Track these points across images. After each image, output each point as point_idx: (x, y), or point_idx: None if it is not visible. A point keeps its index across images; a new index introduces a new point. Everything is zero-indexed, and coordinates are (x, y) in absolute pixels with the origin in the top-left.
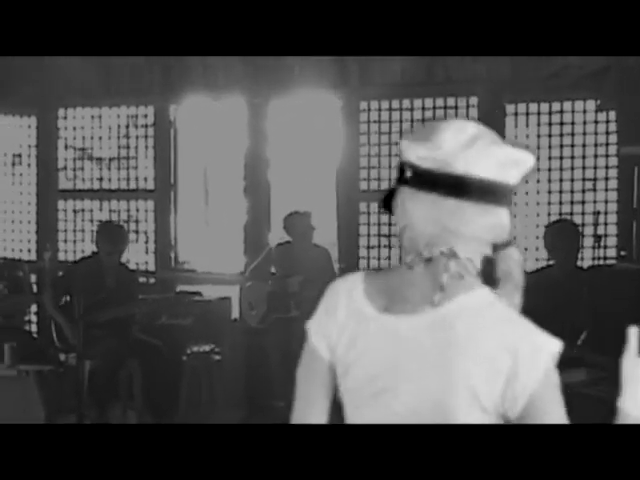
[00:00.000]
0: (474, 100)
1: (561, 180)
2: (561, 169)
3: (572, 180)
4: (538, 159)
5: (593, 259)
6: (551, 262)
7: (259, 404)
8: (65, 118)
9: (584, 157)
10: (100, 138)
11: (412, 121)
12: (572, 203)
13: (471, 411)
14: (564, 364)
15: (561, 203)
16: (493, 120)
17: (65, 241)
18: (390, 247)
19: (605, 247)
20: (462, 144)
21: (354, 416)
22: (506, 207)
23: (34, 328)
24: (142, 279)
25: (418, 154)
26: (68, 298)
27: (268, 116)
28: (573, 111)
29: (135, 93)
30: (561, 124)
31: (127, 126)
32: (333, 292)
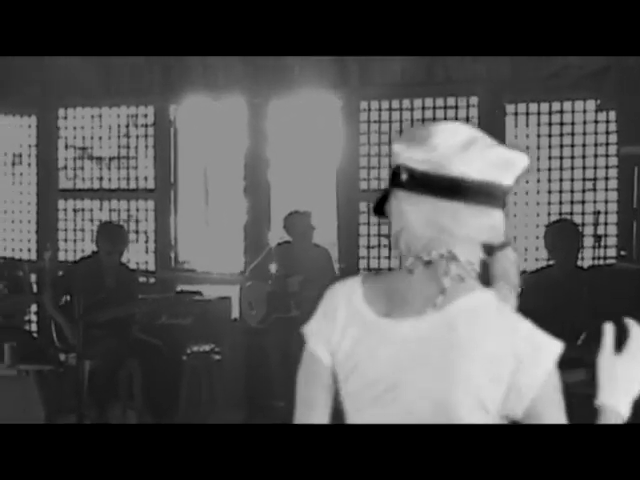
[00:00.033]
0: (474, 100)
1: (561, 180)
2: (561, 169)
3: (572, 180)
4: (538, 159)
5: (593, 259)
6: (551, 262)
7: (259, 404)
8: (65, 118)
9: (584, 157)
10: (100, 138)
11: (412, 121)
12: (572, 203)
13: (473, 413)
14: (564, 364)
15: (561, 203)
16: (493, 120)
17: (65, 241)
18: (390, 247)
19: (605, 247)
20: (458, 146)
21: (355, 420)
22: (501, 208)
23: (34, 328)
24: (142, 279)
25: (414, 157)
26: (68, 298)
27: (268, 116)
28: (573, 111)
29: (135, 93)
30: (561, 124)
31: (127, 126)
32: (332, 296)
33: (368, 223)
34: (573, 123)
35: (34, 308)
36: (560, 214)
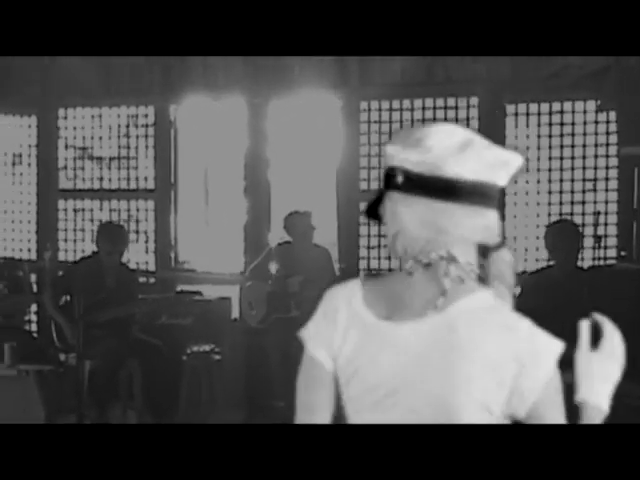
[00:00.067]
0: (474, 100)
1: (561, 180)
2: (561, 169)
3: (572, 180)
4: (538, 159)
5: (593, 259)
6: (551, 262)
7: (259, 404)
8: (65, 118)
9: (584, 157)
10: (100, 138)
11: (412, 121)
12: (572, 203)
13: (475, 415)
14: (564, 364)
15: (561, 203)
16: (493, 120)
17: (65, 241)
18: None
19: (605, 247)
20: (453, 147)
21: (357, 423)
22: (496, 208)
23: (34, 328)
24: (142, 279)
25: (409, 159)
26: (68, 298)
27: (268, 116)
28: (573, 111)
29: (135, 93)
30: (561, 124)
31: (127, 126)
32: (331, 300)
33: (368, 223)
34: (573, 123)
35: (34, 308)
36: (560, 214)
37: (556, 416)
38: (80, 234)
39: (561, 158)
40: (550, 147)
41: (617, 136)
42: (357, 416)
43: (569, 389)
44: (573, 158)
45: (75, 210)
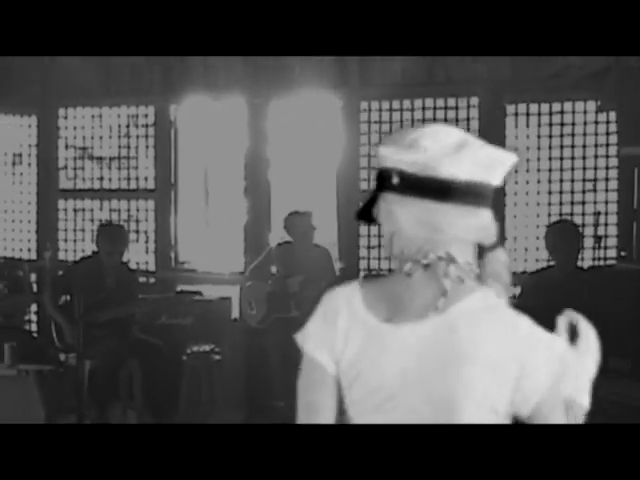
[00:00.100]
0: (475, 100)
1: (561, 181)
2: (561, 170)
3: (572, 181)
4: (538, 160)
5: (593, 260)
6: (552, 263)
7: (259, 404)
8: (66, 118)
9: (584, 158)
10: (100, 138)
11: (412, 121)
12: (572, 204)
13: (478, 415)
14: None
15: (561, 204)
16: (493, 121)
17: (65, 240)
18: None
19: (605, 248)
20: (448, 148)
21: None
22: (490, 208)
23: (34, 328)
24: (142, 279)
25: (405, 160)
26: (68, 298)
27: (268, 116)
28: (573, 112)
29: (135, 93)
30: (561, 125)
31: (127, 126)
32: (331, 303)
33: (368, 223)
34: (573, 124)
35: (34, 308)
36: (560, 215)
37: (560, 416)
38: (80, 234)
39: (561, 158)
40: (550, 147)
41: (617, 136)
42: (360, 418)
43: None
44: (573, 158)
45: (75, 210)
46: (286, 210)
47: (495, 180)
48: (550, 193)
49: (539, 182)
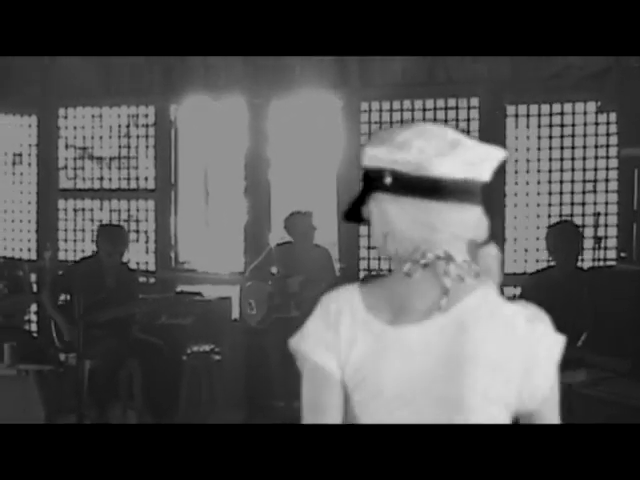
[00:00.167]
0: (475, 101)
1: (561, 181)
2: (561, 170)
3: (572, 182)
4: (538, 160)
5: (593, 260)
6: (552, 263)
7: (259, 404)
8: (66, 117)
9: (584, 159)
10: (101, 137)
11: (413, 122)
12: (572, 204)
13: (487, 412)
14: (564, 365)
15: (561, 204)
16: (494, 121)
17: (65, 240)
18: None
19: (605, 248)
20: (441, 147)
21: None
22: (480, 204)
23: (34, 328)
24: (142, 279)
25: (397, 159)
26: (68, 297)
27: (269, 116)
28: (574, 113)
29: (136, 93)
30: (562, 126)
31: (128, 126)
32: (331, 306)
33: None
34: (574, 125)
35: (34, 308)
36: (560, 215)
37: (556, 415)
38: (80, 234)
39: (561, 159)
40: (550, 148)
41: (617, 137)
42: (366, 419)
43: (568, 389)
44: (573, 159)
45: (75, 210)
46: (286, 210)
47: (485, 176)
48: (550, 194)
49: (539, 183)
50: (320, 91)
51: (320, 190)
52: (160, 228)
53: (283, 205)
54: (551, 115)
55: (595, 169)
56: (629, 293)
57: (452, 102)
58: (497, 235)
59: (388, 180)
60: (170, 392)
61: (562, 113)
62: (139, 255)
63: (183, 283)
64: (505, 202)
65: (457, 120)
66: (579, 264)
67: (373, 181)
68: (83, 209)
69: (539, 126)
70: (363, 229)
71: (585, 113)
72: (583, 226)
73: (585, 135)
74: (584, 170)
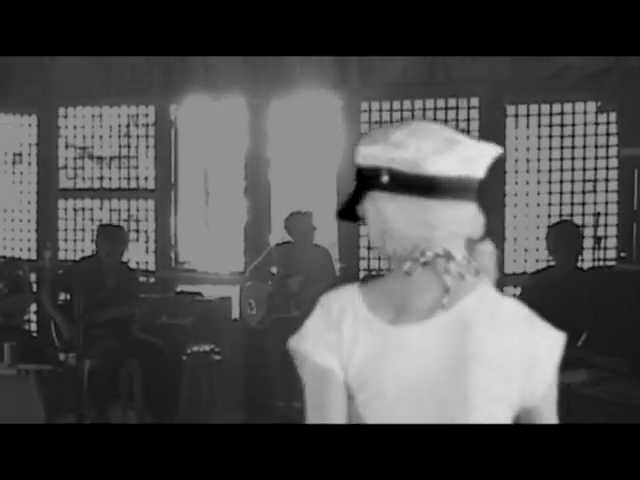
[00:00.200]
0: (475, 101)
1: (561, 181)
2: (561, 170)
3: (572, 181)
4: (538, 160)
5: (593, 260)
6: (552, 263)
7: (259, 404)
8: (66, 117)
9: (584, 159)
10: (101, 137)
11: None
12: (572, 204)
13: (487, 411)
14: (564, 365)
15: (561, 204)
16: (494, 121)
17: (65, 240)
18: None
19: (605, 248)
20: (439, 145)
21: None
22: (475, 201)
23: (34, 327)
24: (142, 279)
25: (395, 158)
26: (68, 297)
27: (269, 116)
28: (574, 112)
29: (136, 92)
30: (562, 125)
31: (128, 125)
32: (332, 306)
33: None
34: (574, 125)
35: (34, 308)
36: (560, 215)
37: (552, 415)
38: (80, 234)
39: (561, 159)
40: (550, 148)
41: (617, 137)
42: (369, 419)
43: (568, 389)
44: (573, 159)
45: (75, 209)
46: (286, 210)
47: (480, 173)
48: (550, 194)
49: (539, 183)
50: (320, 91)
51: (320, 190)
52: (160, 228)
53: (283, 205)
54: (551, 115)
55: (595, 169)
56: (629, 293)
57: (452, 102)
58: (497, 235)
59: (385, 179)
60: (170, 392)
61: (562, 113)
62: (139, 255)
63: (183, 283)
64: (505, 202)
65: (457, 120)
66: (579, 264)
67: (368, 180)
68: (83, 209)
69: (539, 126)
70: (363, 229)
71: (585, 113)
72: (583, 226)
73: (585, 135)
74: (584, 170)
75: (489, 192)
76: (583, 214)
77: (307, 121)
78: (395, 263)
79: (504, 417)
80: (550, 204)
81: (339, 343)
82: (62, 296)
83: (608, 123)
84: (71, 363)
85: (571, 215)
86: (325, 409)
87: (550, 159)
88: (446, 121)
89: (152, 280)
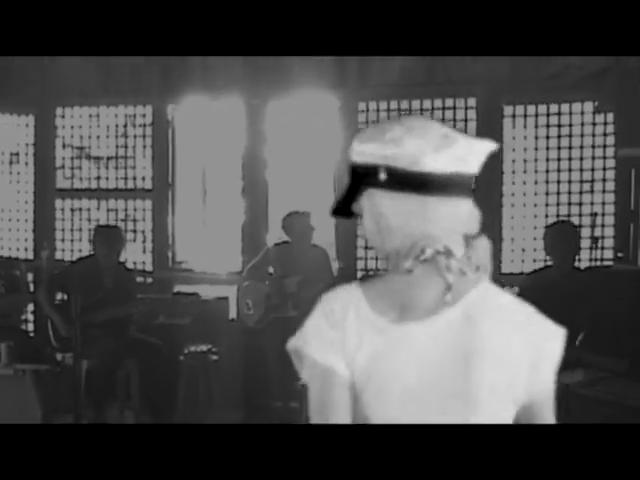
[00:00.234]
0: (472, 101)
1: (559, 182)
2: (559, 171)
3: (570, 182)
4: (536, 161)
5: (590, 260)
6: (549, 263)
7: (257, 404)
8: (63, 117)
9: (582, 159)
10: (98, 137)
11: None
12: (569, 205)
13: (493, 407)
14: (562, 365)
15: (558, 205)
16: (491, 122)
17: (62, 240)
18: None
19: (602, 248)
20: (436, 141)
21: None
22: (471, 197)
23: (31, 327)
24: (139, 279)
25: (392, 155)
26: (65, 297)
27: (266, 116)
28: (571, 113)
29: (133, 92)
30: (559, 126)
31: (125, 125)
32: (335, 306)
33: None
34: (571, 125)
35: (31, 307)
36: (557, 216)
37: (551, 412)
38: (77, 234)
39: (558, 159)
40: (547, 148)
41: (614, 138)
42: (376, 419)
43: (566, 389)
44: (570, 159)
45: (72, 209)
46: (283, 210)
47: (476, 169)
48: (547, 194)
49: (536, 183)
50: (318, 91)
51: (318, 190)
52: (157, 228)
53: (281, 205)
54: (548, 115)
55: (592, 169)
56: (626, 293)
57: (450, 102)
58: (494, 235)
59: (382, 176)
60: (167, 392)
61: (559, 113)
62: (136, 255)
63: (180, 283)
64: (502, 202)
65: (455, 120)
66: (576, 264)
67: (364, 177)
68: (80, 209)
69: (536, 126)
70: (361, 229)
71: (582, 113)
72: (580, 226)
73: (582, 135)
74: (581, 170)
75: (486, 192)
76: (580, 214)
77: (305, 121)
78: (393, 261)
79: (508, 413)
80: (547, 204)
81: (343, 342)
82: (59, 296)
83: (605, 123)
84: (68, 363)
85: (568, 215)
86: (329, 410)
87: (547, 159)
88: (443, 121)
89: (149, 280)
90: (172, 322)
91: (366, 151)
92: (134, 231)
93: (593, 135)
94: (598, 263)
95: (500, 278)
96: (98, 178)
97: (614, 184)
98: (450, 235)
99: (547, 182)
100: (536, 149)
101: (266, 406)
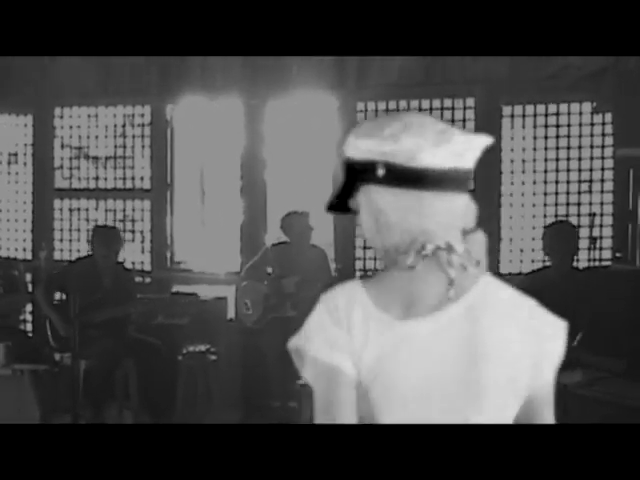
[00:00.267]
0: (471, 102)
1: (557, 182)
2: (557, 171)
3: (568, 182)
4: (534, 161)
5: (589, 260)
6: (547, 263)
7: (255, 404)
8: (62, 117)
9: (580, 159)
10: (96, 137)
11: None
12: (568, 205)
13: (497, 403)
14: (560, 365)
15: (557, 205)
16: (489, 122)
17: (61, 240)
18: None
19: (601, 249)
20: (434, 137)
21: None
22: (467, 192)
23: (29, 327)
24: (138, 279)
25: (390, 151)
26: (63, 297)
27: (265, 116)
28: (569, 113)
29: (132, 92)
30: (557, 126)
31: (124, 125)
32: (339, 303)
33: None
34: (569, 125)
35: (29, 308)
36: (556, 216)
37: (550, 409)
38: (76, 234)
39: (557, 160)
40: (546, 149)
41: (613, 138)
42: (383, 417)
43: (564, 389)
44: (569, 160)
45: (71, 210)
46: (282, 210)
47: (472, 163)
48: (546, 194)
49: (535, 183)
50: (316, 91)
51: (316, 190)
52: (156, 228)
53: (279, 205)
54: (547, 115)
55: (591, 169)
56: (624, 293)
57: (448, 102)
58: (493, 235)
59: (381, 172)
60: (166, 392)
61: (558, 113)
62: (135, 255)
63: (179, 283)
64: (501, 202)
65: (453, 120)
66: (575, 264)
67: (361, 173)
68: (79, 209)
69: (535, 126)
70: (359, 230)
71: (581, 113)
72: (579, 226)
73: (581, 135)
74: (580, 170)
75: (485, 192)
76: (579, 214)
77: (303, 121)
78: (392, 258)
79: (512, 408)
80: (546, 204)
81: (348, 340)
82: (58, 296)
83: (604, 124)
84: (67, 363)
85: (567, 215)
86: (335, 409)
87: (546, 159)
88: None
89: (148, 280)
90: (171, 322)
91: (363, 147)
92: (132, 231)
93: (591, 135)
94: (597, 263)
95: (499, 278)
96: (97, 178)
97: (612, 184)
98: (447, 230)
99: (545, 182)
100: (535, 149)
101: (265, 406)
